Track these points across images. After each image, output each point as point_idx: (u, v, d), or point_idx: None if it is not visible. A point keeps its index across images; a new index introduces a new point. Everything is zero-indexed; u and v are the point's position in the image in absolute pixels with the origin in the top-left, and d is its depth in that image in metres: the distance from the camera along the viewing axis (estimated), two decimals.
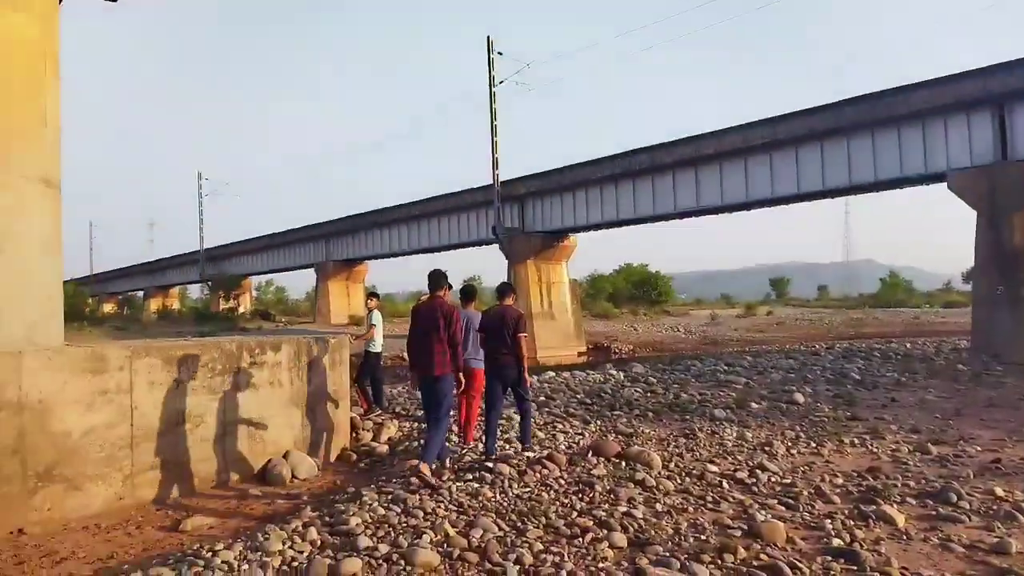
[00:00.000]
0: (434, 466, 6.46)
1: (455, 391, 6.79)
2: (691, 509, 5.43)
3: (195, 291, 70.03)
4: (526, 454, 6.83)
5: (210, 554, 4.47)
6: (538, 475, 6.12)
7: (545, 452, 6.93)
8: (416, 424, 8.96)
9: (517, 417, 7.68)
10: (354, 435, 8.36)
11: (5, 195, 5.59)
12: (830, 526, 5.02)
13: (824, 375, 14.41)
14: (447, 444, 6.85)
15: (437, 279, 6.76)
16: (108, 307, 61.20)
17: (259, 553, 4.42)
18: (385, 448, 7.97)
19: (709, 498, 5.71)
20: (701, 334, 39.91)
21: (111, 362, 6.03)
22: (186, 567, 4.22)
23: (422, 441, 8.04)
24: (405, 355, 10.60)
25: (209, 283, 56.27)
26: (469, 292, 8.42)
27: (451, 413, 7.11)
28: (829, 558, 4.40)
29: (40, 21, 6.06)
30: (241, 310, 48.98)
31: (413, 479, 6.01)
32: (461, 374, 6.69)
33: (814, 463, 7.01)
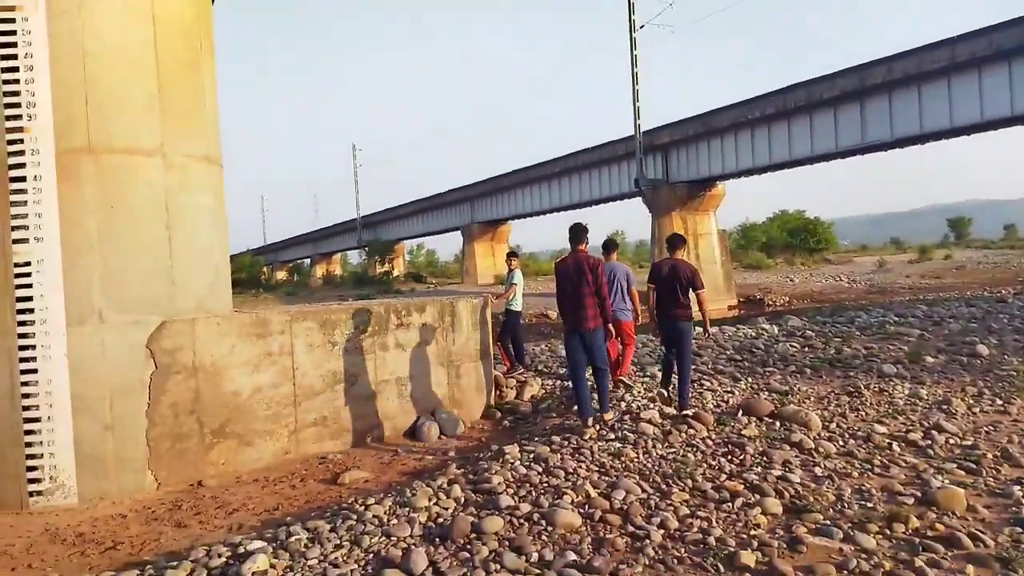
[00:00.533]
0: (609, 415, 6.62)
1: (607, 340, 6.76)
2: (855, 474, 4.99)
3: (354, 256, 74.53)
4: (684, 412, 6.60)
5: (363, 508, 4.69)
6: (684, 435, 5.88)
7: (691, 411, 6.65)
8: (558, 382, 8.94)
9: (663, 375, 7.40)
10: (498, 393, 8.49)
11: (171, 173, 6.05)
12: (1019, 493, 4.42)
13: (1013, 324, 12.79)
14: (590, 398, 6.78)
15: (578, 232, 6.72)
16: (280, 274, 66.55)
17: (407, 508, 4.57)
18: (528, 406, 8.02)
19: (877, 462, 5.22)
20: (867, 283, 36.95)
21: (273, 326, 6.45)
22: (340, 520, 4.45)
23: (564, 399, 8.03)
24: (545, 313, 10.47)
25: (366, 249, 59.58)
26: (610, 244, 8.73)
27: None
28: (1019, 529, 3.87)
29: (195, 6, 6.42)
30: (395, 273, 51.55)
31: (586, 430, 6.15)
32: (611, 325, 6.69)
33: (1000, 423, 6.24)
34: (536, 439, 6.29)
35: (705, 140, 32.40)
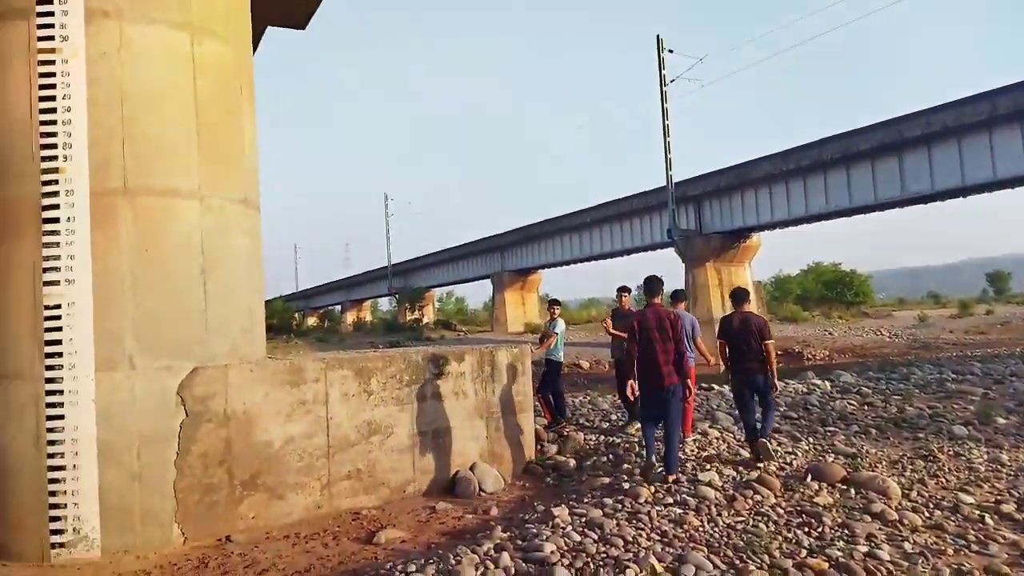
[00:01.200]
0: (674, 476, 6.25)
1: (685, 398, 6.69)
2: (951, 551, 4.46)
3: (384, 304, 74.83)
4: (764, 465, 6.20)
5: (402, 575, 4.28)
6: (750, 501, 5.39)
7: (754, 473, 6.15)
8: (602, 437, 8.48)
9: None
10: (539, 447, 8.06)
11: (208, 217, 5.86)
12: None
13: None
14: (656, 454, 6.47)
15: (654, 286, 6.76)
16: (312, 320, 66.88)
17: None
18: (572, 462, 7.56)
19: (972, 537, 4.68)
20: (909, 337, 35.80)
21: (308, 374, 6.16)
22: None
23: (610, 456, 7.57)
24: (577, 363, 10.08)
25: (396, 296, 59.74)
26: (680, 294, 8.77)
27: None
28: None
29: (235, 51, 6.35)
30: (425, 320, 51.46)
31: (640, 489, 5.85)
32: (690, 380, 6.68)
33: None
34: (585, 500, 5.84)
35: (739, 191, 32.08)
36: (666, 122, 31.90)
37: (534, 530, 5.00)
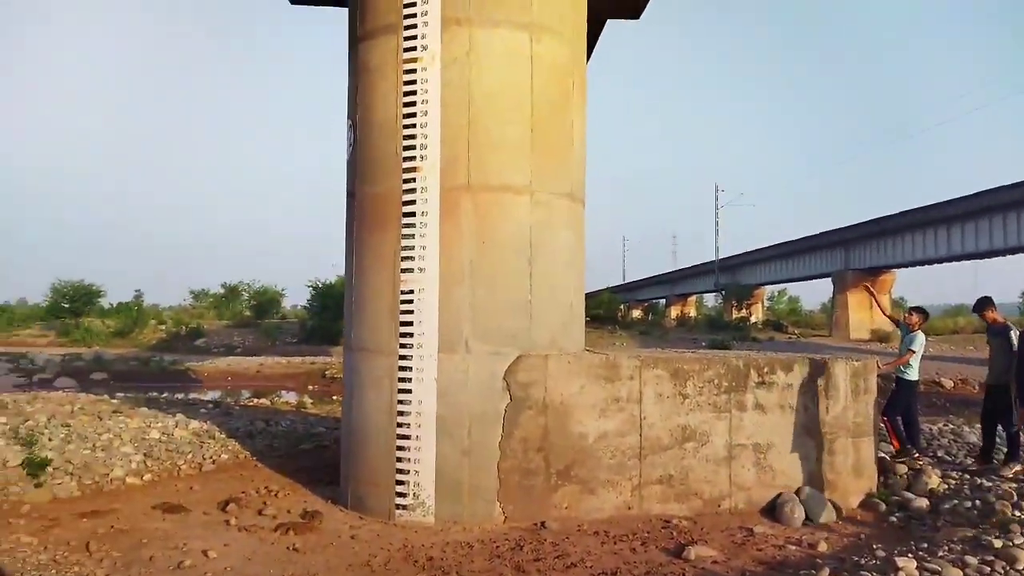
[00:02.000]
0: None
1: None
2: None
3: (710, 299, 73.00)
4: None
5: None
6: None
7: None
8: (967, 477, 6.99)
9: None
10: (882, 479, 6.93)
11: (537, 210, 6.11)
12: None
13: None
14: None
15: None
16: (636, 313, 68.21)
17: None
18: (924, 502, 6.35)
19: None
20: None
21: (623, 371, 6.10)
22: None
23: (977, 502, 6.19)
24: (938, 381, 8.50)
25: (722, 292, 57.81)
26: None
27: None
28: None
29: (570, 47, 6.50)
30: (753, 319, 48.86)
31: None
32: None
33: None
34: (940, 555, 4.82)
35: None
36: None
37: None
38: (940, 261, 37.42)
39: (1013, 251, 32.39)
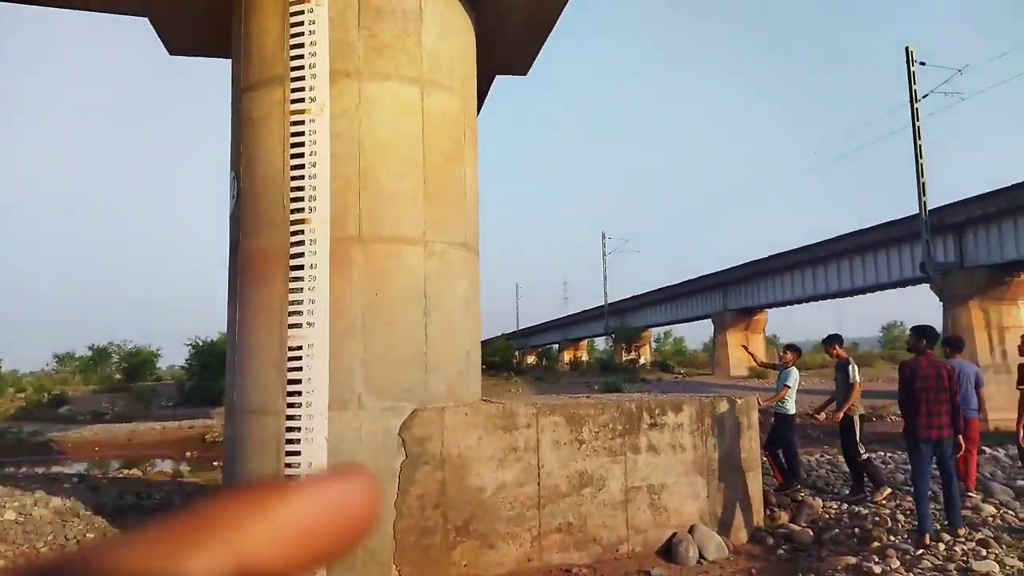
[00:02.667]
0: (962, 529, 6.09)
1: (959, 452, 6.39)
2: None
3: (601, 343, 74.87)
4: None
5: None
6: None
7: None
8: (844, 505, 7.41)
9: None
10: (768, 512, 7.23)
11: (431, 260, 6.08)
12: None
13: None
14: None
15: (932, 336, 6.46)
16: (531, 359, 68.86)
17: None
18: (809, 533, 6.67)
19: None
20: None
21: (519, 419, 6.09)
22: None
23: (856, 529, 6.56)
24: (811, 412, 9.08)
25: (612, 336, 59.48)
26: (957, 342, 8.18)
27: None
28: None
29: (461, 100, 6.61)
30: (642, 361, 50.49)
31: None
32: (961, 436, 6.31)
33: None
34: None
35: (1011, 217, 27.56)
36: (919, 143, 28.46)
37: None
38: (808, 300, 40.25)
39: (872, 289, 35.37)
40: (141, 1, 7.17)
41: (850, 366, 7.82)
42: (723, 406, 6.96)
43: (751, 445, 7.11)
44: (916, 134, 28.80)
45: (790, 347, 8.78)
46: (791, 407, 8.27)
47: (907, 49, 29.08)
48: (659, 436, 6.55)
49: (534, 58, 8.85)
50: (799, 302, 41.26)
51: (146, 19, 7.46)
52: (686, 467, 6.59)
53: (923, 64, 28.74)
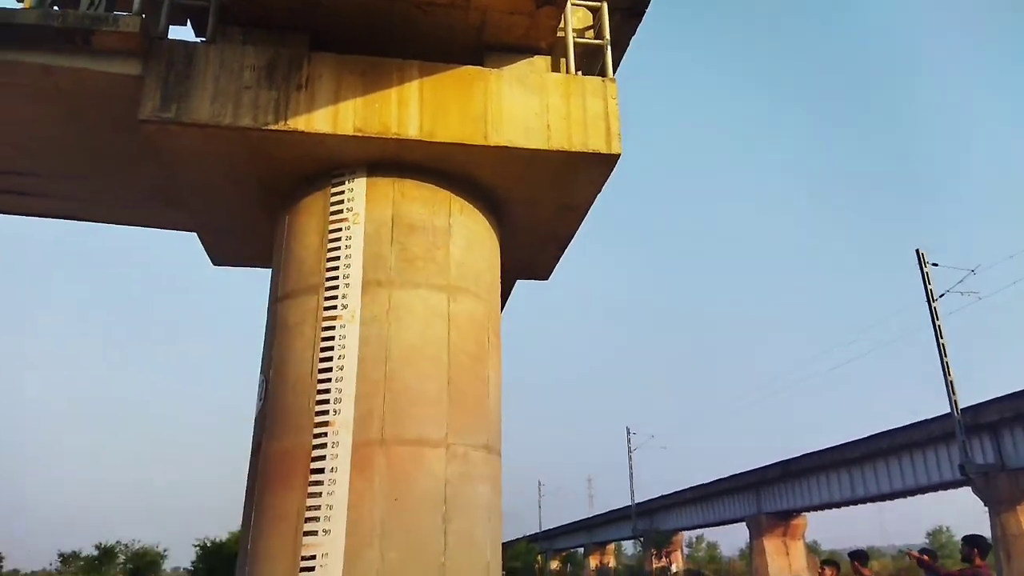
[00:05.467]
0: None
1: None
2: None
3: (628, 547, 70.55)
4: None
5: None
6: None
7: None
8: None
9: None
10: None
11: (453, 463, 5.98)
12: None
13: None
14: None
15: (983, 545, 6.39)
16: (554, 564, 64.69)
17: None
18: None
19: None
20: None
21: None
22: None
23: None
24: None
25: (641, 539, 56.18)
26: (982, 543, 7.23)
27: None
28: None
29: (486, 305, 6.89)
30: (674, 569, 47.12)
31: None
32: None
33: None
34: None
35: None
36: (941, 341, 28.49)
37: None
38: (846, 504, 38.16)
39: (912, 492, 33.57)
40: (194, 220, 7.85)
41: None
42: None
43: None
44: (938, 333, 28.89)
45: (828, 563, 8.27)
46: None
47: (918, 252, 30.06)
48: None
49: (555, 265, 9.31)
50: (837, 505, 39.11)
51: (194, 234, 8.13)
52: None
53: (935, 265, 29.55)
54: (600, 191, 7.29)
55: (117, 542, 41.00)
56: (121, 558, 40.23)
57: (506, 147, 6.43)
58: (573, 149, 6.55)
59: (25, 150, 7.18)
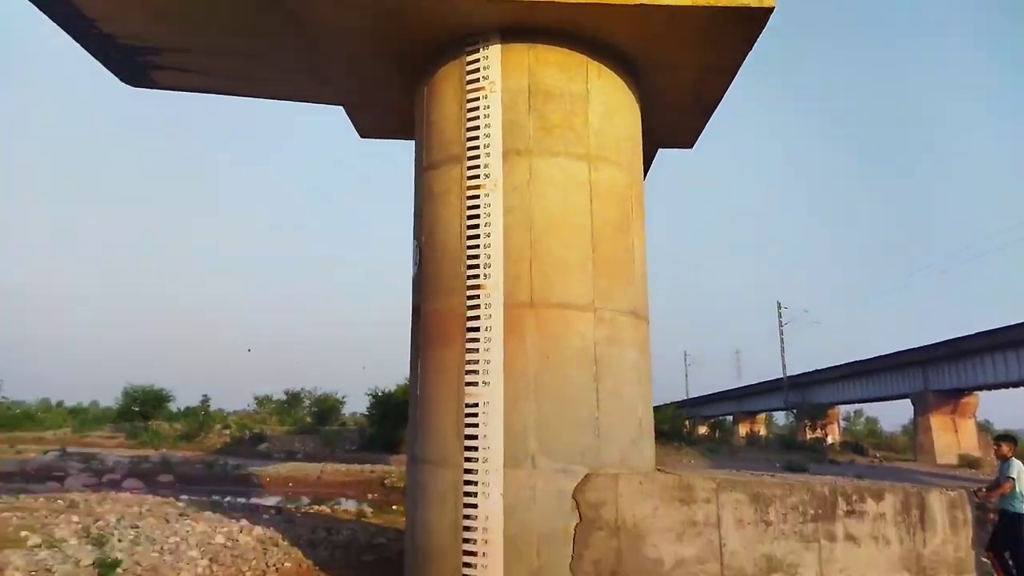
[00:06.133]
0: None
1: None
2: None
3: (780, 418, 70.14)
4: None
5: None
6: None
7: None
8: None
9: None
10: None
11: (601, 327, 6.09)
12: None
13: None
14: None
15: None
16: (702, 429, 65.78)
17: None
18: None
19: None
20: None
21: (698, 493, 5.81)
22: None
23: None
24: None
25: (794, 411, 55.45)
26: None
27: None
28: None
29: (627, 173, 6.71)
30: (829, 441, 46.39)
31: None
32: None
33: None
34: None
35: None
36: None
37: None
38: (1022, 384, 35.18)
39: None
40: (340, 94, 8.08)
41: (1006, 463, 7.42)
42: (933, 498, 6.20)
43: (966, 543, 6.24)
44: None
45: (1003, 437, 7.77)
46: (1019, 505, 7.19)
47: None
48: (858, 525, 5.94)
49: (699, 133, 8.75)
50: (1015, 385, 36.15)
51: (341, 107, 8.41)
52: (891, 562, 5.90)
53: None
54: (751, 50, 6.63)
55: (302, 388, 46.51)
56: (306, 402, 45.68)
57: (644, 3, 5.94)
58: (719, 4, 5.93)
59: (183, 26, 7.56)
